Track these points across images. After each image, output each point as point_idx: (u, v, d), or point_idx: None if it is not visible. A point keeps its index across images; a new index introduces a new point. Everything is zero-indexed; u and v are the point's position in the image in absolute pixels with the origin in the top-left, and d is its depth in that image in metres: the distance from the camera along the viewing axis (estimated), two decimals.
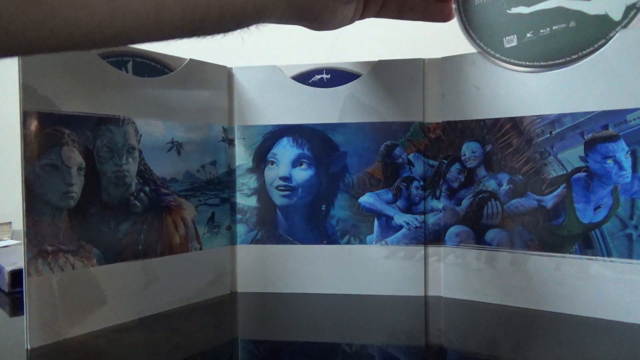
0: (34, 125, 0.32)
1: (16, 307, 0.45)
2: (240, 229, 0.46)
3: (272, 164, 0.45)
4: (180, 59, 0.42)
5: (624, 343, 0.33)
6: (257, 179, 0.45)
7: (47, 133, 0.33)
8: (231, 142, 0.46)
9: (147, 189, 0.39)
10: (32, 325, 0.32)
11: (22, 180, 0.31)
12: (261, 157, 0.45)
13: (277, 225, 0.45)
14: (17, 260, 0.51)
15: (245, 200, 0.46)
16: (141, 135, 0.39)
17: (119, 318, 0.37)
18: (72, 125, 0.34)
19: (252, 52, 0.70)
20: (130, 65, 0.38)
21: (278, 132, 0.45)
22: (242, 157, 0.46)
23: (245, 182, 0.45)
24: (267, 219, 0.46)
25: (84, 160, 0.35)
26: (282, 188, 0.45)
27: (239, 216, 0.46)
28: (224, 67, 0.46)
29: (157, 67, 0.40)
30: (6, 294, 0.48)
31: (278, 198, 0.45)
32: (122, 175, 0.37)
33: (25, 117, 0.32)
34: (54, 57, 0.33)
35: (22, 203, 0.31)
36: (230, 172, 0.46)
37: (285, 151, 0.45)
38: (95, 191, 0.35)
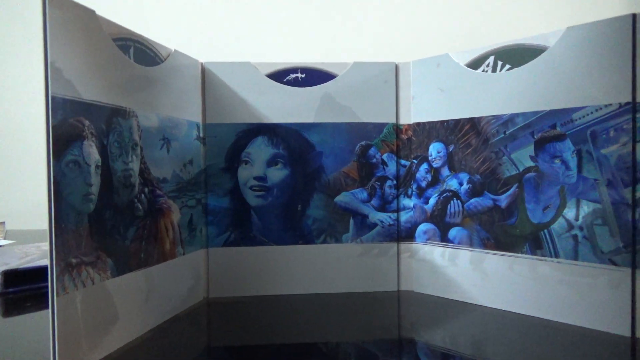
0: (60, 114, 0.30)
1: (10, 308, 0.47)
2: (212, 231, 0.50)
3: (245, 164, 0.50)
4: (166, 49, 0.44)
5: (566, 347, 0.37)
6: (230, 178, 0.50)
7: (70, 124, 0.32)
8: (204, 140, 0.50)
9: (146, 190, 0.40)
10: (60, 354, 0.30)
11: (48, 180, 0.30)
12: (234, 157, 0.50)
13: (251, 227, 0.50)
14: (9, 260, 0.55)
15: (217, 201, 0.50)
16: (142, 130, 0.39)
17: (129, 336, 0.37)
18: (91, 116, 0.34)
19: (224, 48, 0.81)
20: (132, 52, 0.39)
21: (252, 131, 0.50)
22: (214, 156, 0.50)
23: (218, 183, 0.50)
24: (240, 220, 0.50)
25: (100, 157, 0.34)
26: (256, 188, 0.50)
27: (210, 218, 0.50)
28: (197, 61, 0.49)
29: (151, 54, 0.41)
30: None
31: (252, 198, 0.50)
32: (128, 174, 0.37)
33: (52, 103, 0.30)
34: (73, 34, 0.32)
35: (49, 207, 0.30)
36: (202, 171, 0.49)
37: (260, 150, 0.50)
38: (109, 193, 0.35)
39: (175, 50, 0.45)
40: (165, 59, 0.44)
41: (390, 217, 0.51)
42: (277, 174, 0.51)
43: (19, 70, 0.98)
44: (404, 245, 0.52)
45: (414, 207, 0.51)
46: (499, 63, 0.45)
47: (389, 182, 0.51)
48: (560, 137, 0.41)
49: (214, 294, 0.50)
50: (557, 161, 0.41)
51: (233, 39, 0.82)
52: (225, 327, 0.43)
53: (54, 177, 0.30)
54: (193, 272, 0.48)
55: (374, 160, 0.51)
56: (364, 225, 0.51)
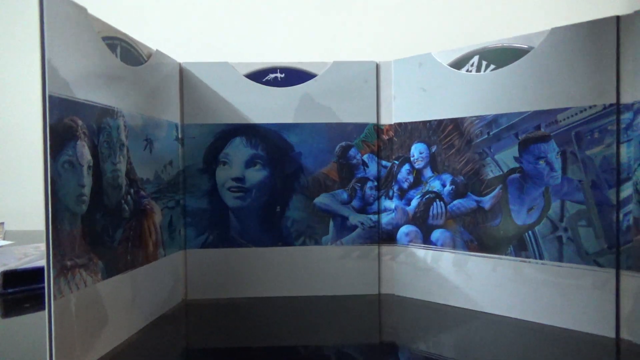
0: (56, 113, 0.30)
1: (8, 309, 0.47)
2: (190, 232, 0.49)
3: (224, 165, 0.49)
4: (148, 48, 0.43)
5: (551, 348, 0.37)
6: (209, 180, 0.49)
7: (66, 124, 0.31)
8: (182, 141, 0.49)
9: (132, 191, 0.39)
10: (56, 359, 0.29)
11: (46, 181, 0.29)
12: (212, 157, 0.49)
13: (229, 228, 0.50)
14: (8, 261, 0.54)
15: (195, 202, 0.49)
16: (128, 130, 0.39)
17: (116, 339, 0.37)
18: (83, 115, 0.33)
19: (203, 48, 0.80)
20: (118, 51, 0.38)
21: (230, 132, 0.49)
22: (192, 157, 0.49)
23: (196, 184, 0.49)
24: (218, 222, 0.49)
25: (92, 158, 0.34)
26: (234, 189, 0.50)
27: (188, 219, 0.49)
28: (176, 61, 0.49)
29: (135, 54, 0.41)
30: None
31: (230, 200, 0.49)
32: (116, 175, 0.37)
33: (49, 102, 0.29)
34: (68, 32, 0.32)
35: (46, 209, 0.29)
36: (181, 172, 0.49)
37: (238, 151, 0.49)
38: (100, 194, 0.35)
39: (157, 50, 0.45)
40: (147, 59, 0.43)
41: (371, 218, 0.51)
42: (256, 175, 0.50)
43: (17, 69, 0.96)
44: (385, 248, 0.51)
45: (395, 208, 0.51)
46: (484, 63, 0.44)
47: (369, 184, 0.51)
48: (544, 138, 0.41)
49: (192, 295, 0.50)
50: (541, 162, 0.41)
51: (213, 39, 0.81)
52: (203, 329, 0.43)
53: (51, 177, 0.29)
54: (173, 274, 0.48)
55: (355, 161, 0.51)
56: (344, 227, 0.51)
